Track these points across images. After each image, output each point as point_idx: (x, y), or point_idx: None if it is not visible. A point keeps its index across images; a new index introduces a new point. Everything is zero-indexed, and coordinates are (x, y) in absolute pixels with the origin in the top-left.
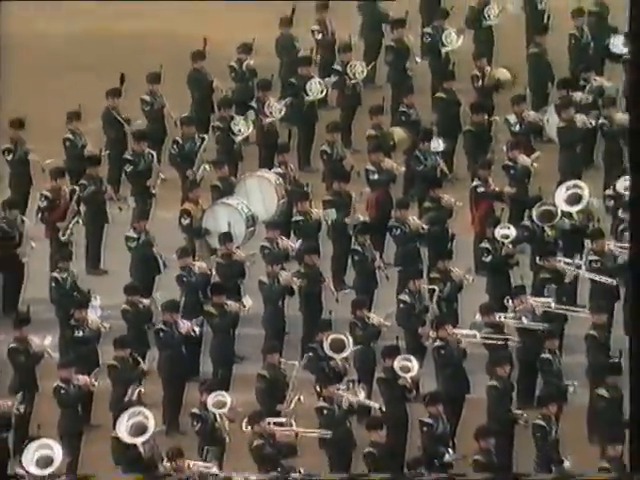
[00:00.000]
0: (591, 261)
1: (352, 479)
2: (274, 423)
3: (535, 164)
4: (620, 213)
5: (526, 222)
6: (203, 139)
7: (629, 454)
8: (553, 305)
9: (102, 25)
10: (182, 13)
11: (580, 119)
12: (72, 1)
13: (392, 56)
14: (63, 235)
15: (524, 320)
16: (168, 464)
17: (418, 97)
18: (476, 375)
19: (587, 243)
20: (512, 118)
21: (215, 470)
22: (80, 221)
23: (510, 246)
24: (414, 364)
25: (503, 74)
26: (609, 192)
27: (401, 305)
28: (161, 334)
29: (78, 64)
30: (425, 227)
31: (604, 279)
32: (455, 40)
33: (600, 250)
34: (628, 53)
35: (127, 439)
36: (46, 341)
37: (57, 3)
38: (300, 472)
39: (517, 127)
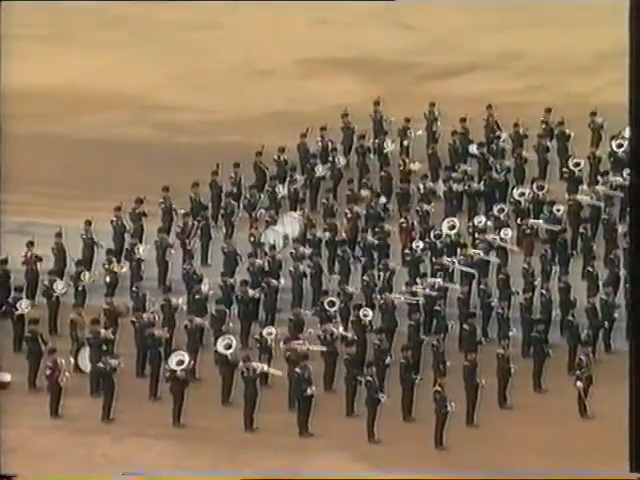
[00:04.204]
0: (460, 260)
1: None
2: (297, 343)
3: (432, 209)
4: (476, 235)
5: (427, 239)
6: (260, 196)
7: (629, 454)
8: (441, 282)
9: (211, 140)
10: (252, 132)
11: (455, 187)
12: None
13: (357, 154)
14: (188, 245)
15: (427, 290)
16: (242, 364)
17: (372, 175)
18: (402, 318)
19: (459, 250)
20: (420, 186)
21: (265, 367)
22: (197, 238)
23: (420, 252)
24: (369, 312)
25: (415, 166)
26: (469, 224)
27: (364, 282)
28: (239, 297)
29: (198, 161)
30: (376, 241)
31: (467, 269)
32: (390, 145)
33: (465, 254)
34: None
35: (222, 351)
36: (180, 300)
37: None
38: None
39: (422, 190)
